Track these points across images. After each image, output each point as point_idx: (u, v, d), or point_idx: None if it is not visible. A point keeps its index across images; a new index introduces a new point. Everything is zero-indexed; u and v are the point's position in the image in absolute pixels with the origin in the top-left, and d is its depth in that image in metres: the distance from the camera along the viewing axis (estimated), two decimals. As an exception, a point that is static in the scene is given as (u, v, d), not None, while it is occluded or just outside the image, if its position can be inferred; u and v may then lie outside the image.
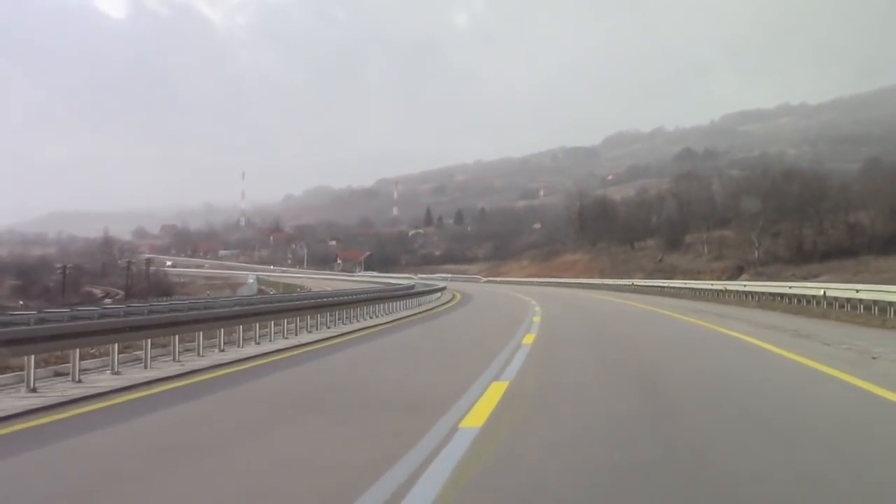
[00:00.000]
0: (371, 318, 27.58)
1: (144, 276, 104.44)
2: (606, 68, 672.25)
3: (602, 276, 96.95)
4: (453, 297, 52.66)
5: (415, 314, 31.89)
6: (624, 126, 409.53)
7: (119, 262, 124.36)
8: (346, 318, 25.12)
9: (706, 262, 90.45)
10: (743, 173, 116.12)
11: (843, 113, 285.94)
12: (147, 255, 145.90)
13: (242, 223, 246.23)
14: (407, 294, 39.56)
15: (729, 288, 44.78)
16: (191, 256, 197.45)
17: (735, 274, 77.97)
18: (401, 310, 33.84)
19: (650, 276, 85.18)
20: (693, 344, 17.74)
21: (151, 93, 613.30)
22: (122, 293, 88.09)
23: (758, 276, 69.30)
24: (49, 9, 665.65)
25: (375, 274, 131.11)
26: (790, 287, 35.94)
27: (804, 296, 32.12)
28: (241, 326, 17.49)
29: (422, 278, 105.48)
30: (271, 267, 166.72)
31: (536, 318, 26.38)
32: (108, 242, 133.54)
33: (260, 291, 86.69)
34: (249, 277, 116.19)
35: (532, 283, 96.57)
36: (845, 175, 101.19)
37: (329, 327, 22.56)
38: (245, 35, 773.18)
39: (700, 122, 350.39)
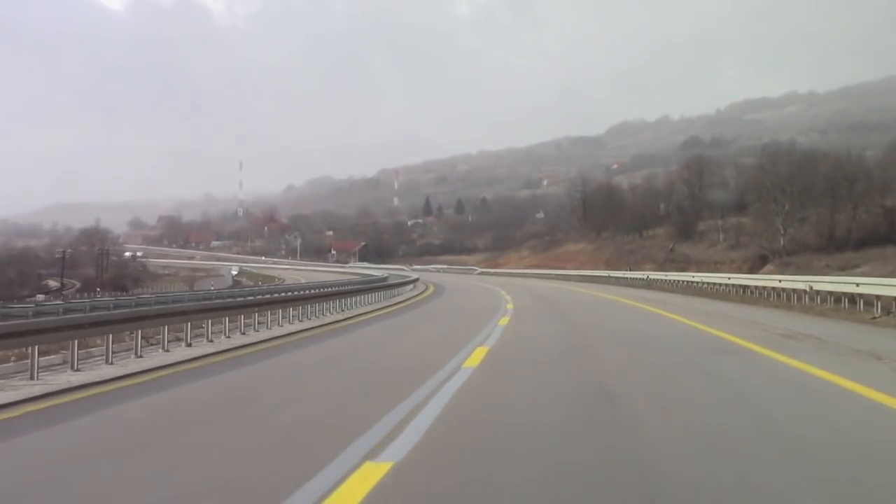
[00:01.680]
0: (328, 314, 25.67)
1: (114, 266, 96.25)
2: (611, 58, 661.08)
3: (608, 266, 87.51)
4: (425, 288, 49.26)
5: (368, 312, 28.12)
6: (628, 115, 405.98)
7: (94, 252, 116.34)
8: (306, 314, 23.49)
9: (722, 252, 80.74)
10: (758, 159, 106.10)
11: (852, 101, 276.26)
12: (130, 246, 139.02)
13: (241, 213, 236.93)
14: (371, 288, 37.19)
15: (780, 285, 32.25)
16: (182, 247, 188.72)
17: (757, 264, 68.27)
18: (360, 305, 31.24)
19: (661, 266, 75.73)
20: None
21: (153, 84, 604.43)
22: (79, 284, 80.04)
23: (784, 267, 60.19)
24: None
25: (366, 265, 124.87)
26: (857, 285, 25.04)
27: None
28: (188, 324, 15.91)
29: (414, 269, 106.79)
30: (262, 258, 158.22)
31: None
32: (87, 233, 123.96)
33: (237, 283, 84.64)
34: (233, 269, 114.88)
35: (527, 276, 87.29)
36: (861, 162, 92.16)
37: (292, 322, 21.52)
38: (246, 25, 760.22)
39: (706, 111, 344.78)
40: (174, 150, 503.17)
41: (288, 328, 20.09)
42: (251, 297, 24.70)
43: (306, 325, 21.42)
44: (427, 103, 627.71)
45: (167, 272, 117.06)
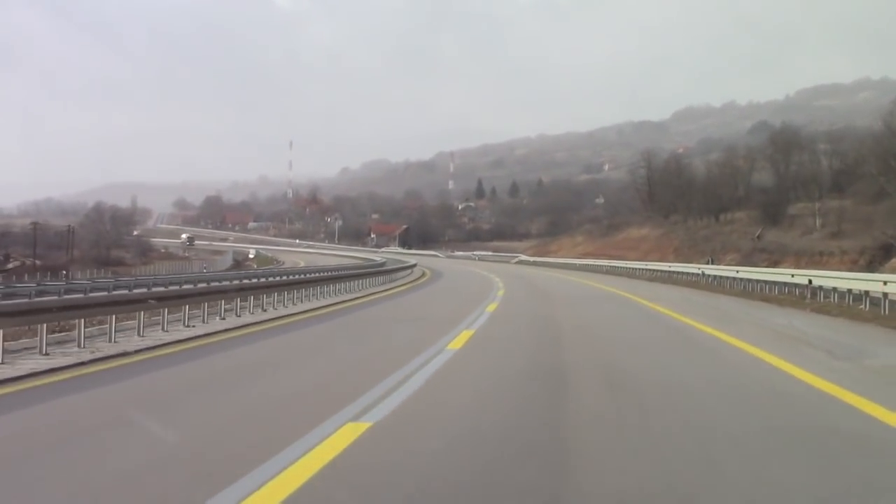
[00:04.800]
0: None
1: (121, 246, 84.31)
2: (676, 41, 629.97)
3: (677, 256, 69.99)
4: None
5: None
6: (694, 100, 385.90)
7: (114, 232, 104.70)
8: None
9: (821, 240, 62.86)
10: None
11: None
12: (165, 227, 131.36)
13: (289, 195, 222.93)
14: (356, 275, 34.01)
15: None
16: (218, 228, 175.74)
17: (879, 256, 50.45)
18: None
19: (747, 258, 58.36)
20: None
21: (213, 66, 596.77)
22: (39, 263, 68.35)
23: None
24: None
25: (400, 250, 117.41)
26: None
27: None
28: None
29: (448, 256, 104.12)
30: (296, 241, 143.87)
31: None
32: (97, 210, 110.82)
33: (236, 264, 79.89)
34: (250, 253, 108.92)
35: (575, 268, 68.97)
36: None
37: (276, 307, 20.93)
38: (308, 8, 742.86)
39: (774, 96, 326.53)
40: (231, 131, 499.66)
41: (271, 313, 19.55)
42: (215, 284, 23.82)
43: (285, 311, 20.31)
44: (486, 87, 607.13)
45: (188, 253, 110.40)
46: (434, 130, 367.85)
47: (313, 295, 25.27)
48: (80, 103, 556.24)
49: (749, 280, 32.38)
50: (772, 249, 59.10)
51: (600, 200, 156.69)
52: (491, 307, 21.57)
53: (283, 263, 74.33)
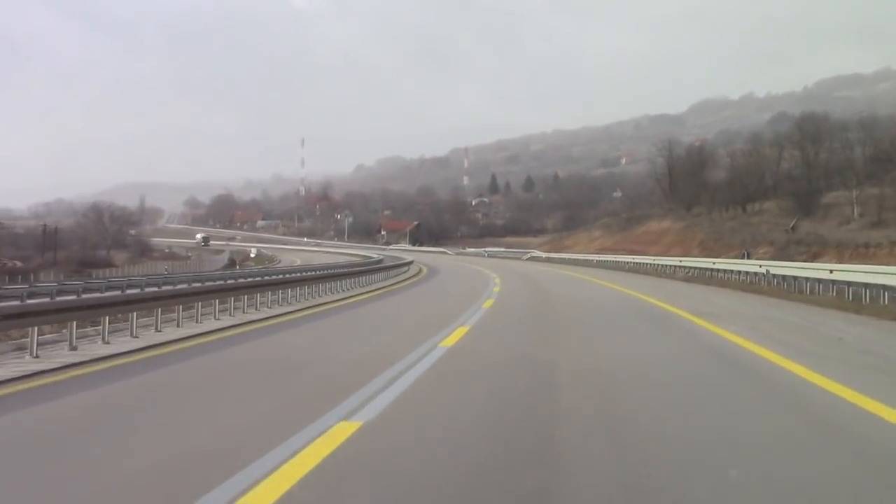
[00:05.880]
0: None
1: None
2: (692, 33, 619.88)
3: (702, 250, 64.33)
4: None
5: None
6: (710, 93, 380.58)
7: (111, 231, 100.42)
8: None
9: (861, 231, 57.14)
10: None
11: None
12: (172, 227, 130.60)
13: (302, 192, 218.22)
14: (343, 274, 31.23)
15: None
16: (226, 227, 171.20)
17: (934, 248, 44.57)
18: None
19: (782, 251, 52.59)
20: None
21: (228, 66, 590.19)
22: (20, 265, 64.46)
23: None
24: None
25: (406, 247, 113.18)
26: None
27: None
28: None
29: (457, 252, 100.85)
30: (304, 239, 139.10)
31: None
32: (96, 209, 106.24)
33: (231, 263, 76.96)
34: (251, 252, 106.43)
35: (592, 266, 62.60)
36: None
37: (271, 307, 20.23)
38: (323, 6, 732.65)
39: (793, 88, 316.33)
40: (246, 131, 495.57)
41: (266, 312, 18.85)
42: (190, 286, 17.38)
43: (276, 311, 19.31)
44: (501, 83, 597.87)
45: (171, 251, 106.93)
46: (449, 127, 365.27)
47: (283, 299, 22.43)
48: (95, 105, 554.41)
49: (849, 282, 22.45)
50: (809, 241, 53.18)
51: (617, 194, 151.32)
52: (452, 338, 12.85)
53: (279, 262, 72.10)
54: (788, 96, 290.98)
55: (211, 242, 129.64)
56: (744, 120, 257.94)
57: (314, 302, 22.95)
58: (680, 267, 43.76)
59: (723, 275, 36.02)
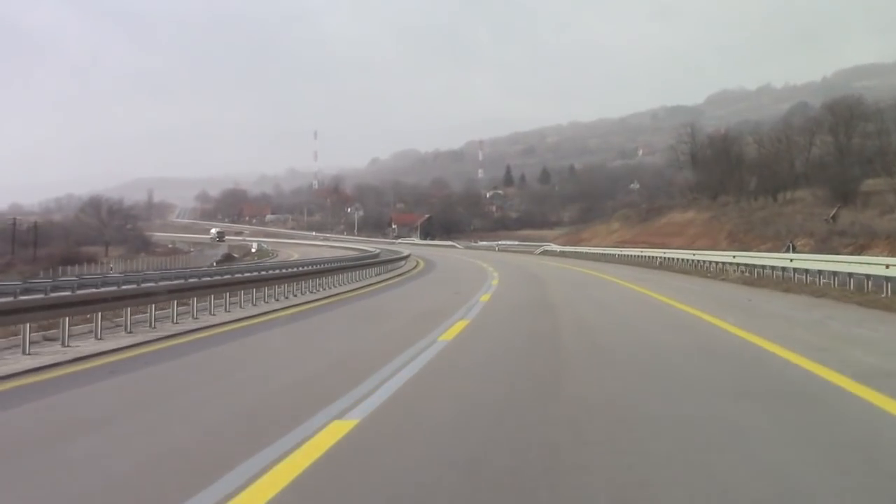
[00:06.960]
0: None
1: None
2: (709, 23, 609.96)
3: (731, 242, 59.22)
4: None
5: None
6: (728, 84, 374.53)
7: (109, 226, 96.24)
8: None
9: (907, 220, 51.53)
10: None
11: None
12: (180, 221, 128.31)
13: (315, 186, 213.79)
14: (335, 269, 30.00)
15: None
16: (235, 221, 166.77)
17: None
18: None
19: (824, 242, 47.37)
20: None
21: (243, 60, 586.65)
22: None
23: None
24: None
25: (415, 241, 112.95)
26: None
27: None
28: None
29: (467, 246, 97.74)
30: (312, 233, 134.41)
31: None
32: (93, 204, 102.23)
33: (226, 258, 74.73)
34: (252, 247, 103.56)
35: (614, 261, 55.48)
36: None
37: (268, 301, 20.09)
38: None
39: (811, 78, 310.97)
40: (260, 125, 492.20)
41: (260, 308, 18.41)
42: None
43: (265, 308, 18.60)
44: (517, 75, 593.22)
45: (173, 247, 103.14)
46: (464, 119, 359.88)
47: (258, 298, 20.80)
48: (109, 100, 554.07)
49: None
50: (854, 232, 47.72)
51: (635, 185, 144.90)
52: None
53: (277, 256, 70.35)
54: (807, 86, 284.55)
55: (226, 238, 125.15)
56: (762, 111, 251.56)
57: (288, 303, 20.54)
58: (731, 264, 33.42)
59: (801, 276, 25.61)
